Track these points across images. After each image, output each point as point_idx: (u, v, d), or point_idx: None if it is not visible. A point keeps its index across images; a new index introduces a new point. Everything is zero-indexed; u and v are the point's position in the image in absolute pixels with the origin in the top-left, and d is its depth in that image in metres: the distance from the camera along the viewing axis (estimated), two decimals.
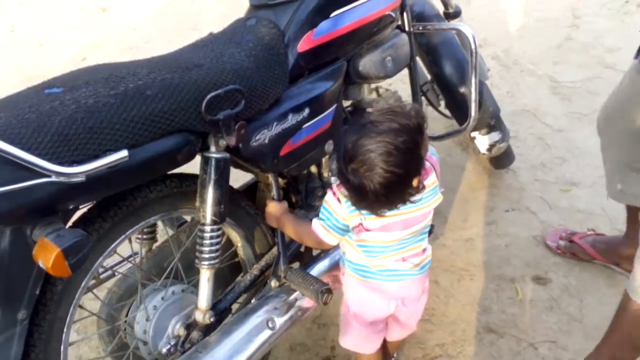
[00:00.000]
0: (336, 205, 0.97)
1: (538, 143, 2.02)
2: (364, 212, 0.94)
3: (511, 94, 2.28)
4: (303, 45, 1.09)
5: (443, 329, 1.42)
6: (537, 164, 1.92)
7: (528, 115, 2.15)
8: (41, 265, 0.76)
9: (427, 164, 0.95)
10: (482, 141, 1.71)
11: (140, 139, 0.84)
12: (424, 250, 1.05)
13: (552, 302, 1.46)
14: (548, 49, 2.53)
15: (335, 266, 1.23)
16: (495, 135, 1.70)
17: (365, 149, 0.83)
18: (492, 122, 1.67)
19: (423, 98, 1.57)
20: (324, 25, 1.11)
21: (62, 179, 0.74)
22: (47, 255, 0.75)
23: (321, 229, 1.01)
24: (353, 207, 0.94)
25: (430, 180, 0.96)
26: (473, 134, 1.71)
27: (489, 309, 1.46)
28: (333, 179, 1.00)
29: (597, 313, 1.42)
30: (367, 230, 0.97)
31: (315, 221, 1.02)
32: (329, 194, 0.99)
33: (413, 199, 0.90)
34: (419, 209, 0.97)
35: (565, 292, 1.48)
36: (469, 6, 2.75)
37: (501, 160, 1.83)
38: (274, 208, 1.13)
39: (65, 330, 0.93)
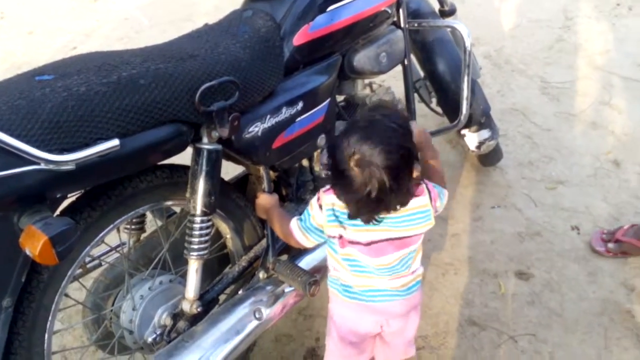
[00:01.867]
0: (316, 210, 0.98)
1: (526, 142, 2.05)
2: (349, 222, 0.93)
3: (502, 93, 2.31)
4: (299, 38, 1.09)
5: (426, 321, 1.44)
6: (524, 162, 1.95)
7: (517, 114, 2.18)
8: (28, 253, 0.76)
9: (423, 186, 0.95)
10: (472, 138, 1.73)
11: (132, 129, 0.83)
12: (413, 272, 1.02)
13: (533, 297, 1.50)
14: (540, 49, 2.56)
15: (323, 258, 1.24)
16: (485, 133, 1.72)
17: (370, 142, 0.85)
18: (482, 120, 1.69)
19: (415, 95, 1.58)
20: (320, 19, 1.10)
21: (51, 166, 0.73)
22: (35, 243, 0.74)
23: (297, 230, 1.02)
24: (333, 217, 0.94)
25: (421, 202, 0.94)
26: (463, 131, 1.73)
27: (472, 302, 1.49)
28: (322, 189, 0.98)
29: (577, 308, 1.46)
30: (352, 243, 0.96)
31: (294, 221, 1.03)
32: (314, 197, 0.99)
33: (400, 205, 0.90)
34: (408, 229, 0.95)
35: (547, 287, 1.52)
36: (464, 4, 2.76)
37: (489, 157, 1.86)
38: (265, 200, 1.14)
39: (50, 318, 0.92)
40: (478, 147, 1.74)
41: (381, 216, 0.92)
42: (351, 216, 0.92)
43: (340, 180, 0.89)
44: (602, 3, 2.83)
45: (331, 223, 0.95)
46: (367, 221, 0.92)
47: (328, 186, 0.96)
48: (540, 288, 1.52)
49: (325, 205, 0.95)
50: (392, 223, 0.94)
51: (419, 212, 0.95)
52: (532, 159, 1.97)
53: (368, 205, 0.88)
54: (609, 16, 2.77)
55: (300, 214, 1.25)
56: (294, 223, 1.03)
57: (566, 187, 1.84)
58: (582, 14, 2.78)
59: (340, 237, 0.97)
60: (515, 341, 1.39)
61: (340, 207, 0.94)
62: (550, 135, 2.07)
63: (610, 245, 1.57)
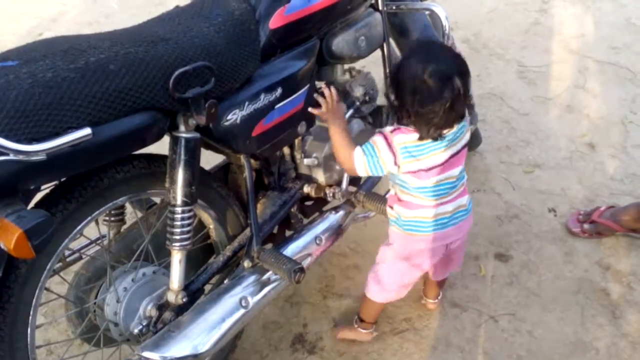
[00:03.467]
0: (384, 149, 1.06)
1: (504, 126, 2.08)
2: (421, 154, 1.05)
3: (480, 78, 2.33)
4: (275, 21, 1.07)
5: (410, 304, 1.47)
6: (502, 146, 1.99)
7: (495, 99, 2.21)
8: (2, 247, 0.74)
9: None
10: None
11: (104, 117, 0.81)
12: (465, 189, 1.18)
13: (512, 278, 1.54)
14: (517, 33, 2.59)
15: (307, 246, 1.26)
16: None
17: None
18: None
19: None
20: (296, 1, 1.08)
21: (20, 157, 0.71)
22: (9, 236, 0.72)
23: (360, 160, 1.09)
24: (407, 154, 1.06)
25: None
26: None
27: (454, 284, 1.52)
28: (388, 129, 1.09)
29: (554, 287, 1.51)
30: (429, 169, 1.08)
31: (359, 149, 1.10)
32: (379, 137, 1.07)
33: (462, 116, 1.06)
34: (461, 140, 1.10)
35: (525, 268, 1.56)
36: None
37: (469, 142, 1.87)
38: (340, 115, 1.16)
39: (31, 313, 0.91)
40: None
41: (445, 133, 1.05)
42: (421, 137, 1.04)
43: (411, 100, 1.00)
44: None
45: (407, 159, 1.06)
46: (436, 137, 1.04)
47: (392, 127, 1.07)
48: (518, 269, 1.56)
49: (398, 145, 1.06)
50: (451, 139, 1.07)
51: (461, 126, 1.10)
52: (510, 143, 2.00)
53: (441, 116, 1.00)
54: (583, 0, 2.81)
55: (284, 202, 1.27)
56: (359, 152, 1.09)
57: (543, 171, 1.88)
58: None
59: (418, 170, 1.07)
60: (495, 321, 1.43)
61: (411, 142, 1.05)
62: (527, 120, 2.11)
63: (586, 226, 1.61)
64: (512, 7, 2.77)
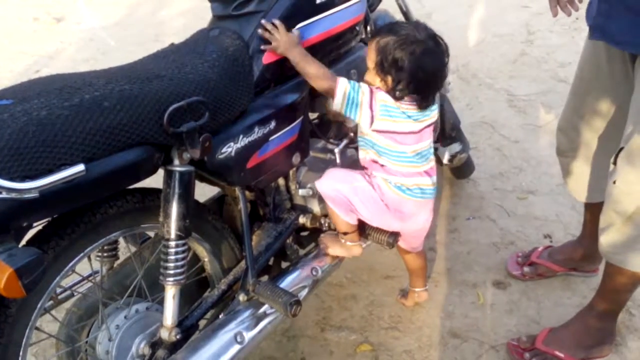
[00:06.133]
0: (366, 99, 1.09)
1: (496, 154, 2.11)
2: (401, 116, 1.11)
3: (470, 107, 2.38)
4: (268, 57, 1.10)
5: (409, 336, 1.44)
6: (495, 173, 2.01)
7: (486, 127, 2.25)
8: None
9: None
10: (444, 152, 1.77)
11: (98, 152, 0.81)
12: (433, 168, 1.23)
13: (511, 305, 1.52)
14: (505, 63, 2.67)
15: (303, 278, 1.24)
16: (456, 147, 1.76)
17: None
18: (453, 134, 1.73)
19: None
20: None
21: (13, 195, 0.71)
22: None
23: (342, 91, 1.08)
24: (386, 112, 1.10)
25: None
26: (435, 145, 1.77)
27: (453, 314, 1.50)
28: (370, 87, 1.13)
29: (554, 314, 1.49)
30: (401, 132, 1.13)
31: (344, 80, 1.09)
32: (366, 86, 1.10)
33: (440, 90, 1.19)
34: (432, 117, 1.18)
35: (524, 295, 1.55)
36: (430, 21, 2.83)
37: (462, 170, 1.90)
38: (288, 37, 1.06)
39: (21, 353, 0.88)
40: (450, 161, 1.78)
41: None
42: (424, 105, 1.12)
43: (415, 68, 1.08)
44: (561, 17, 2.96)
45: (384, 117, 1.10)
46: (429, 104, 1.13)
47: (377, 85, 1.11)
48: (517, 296, 1.54)
49: (380, 102, 1.09)
50: (424, 113, 1.14)
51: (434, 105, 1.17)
52: (503, 170, 2.02)
53: (429, 79, 1.12)
54: (568, 30, 2.92)
55: (280, 233, 1.26)
56: (344, 82, 1.09)
57: (536, 197, 1.89)
58: (543, 28, 2.92)
59: (393, 132, 1.11)
60: (497, 351, 1.40)
61: (392, 104, 1.10)
62: (519, 147, 2.14)
63: (526, 269, 1.57)
64: (499, 38, 2.87)
